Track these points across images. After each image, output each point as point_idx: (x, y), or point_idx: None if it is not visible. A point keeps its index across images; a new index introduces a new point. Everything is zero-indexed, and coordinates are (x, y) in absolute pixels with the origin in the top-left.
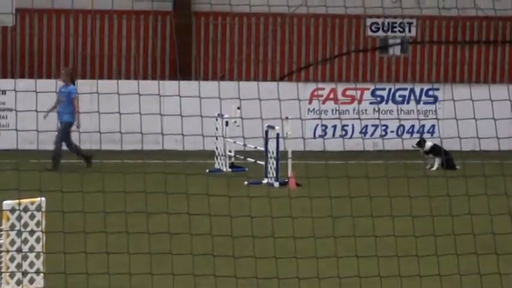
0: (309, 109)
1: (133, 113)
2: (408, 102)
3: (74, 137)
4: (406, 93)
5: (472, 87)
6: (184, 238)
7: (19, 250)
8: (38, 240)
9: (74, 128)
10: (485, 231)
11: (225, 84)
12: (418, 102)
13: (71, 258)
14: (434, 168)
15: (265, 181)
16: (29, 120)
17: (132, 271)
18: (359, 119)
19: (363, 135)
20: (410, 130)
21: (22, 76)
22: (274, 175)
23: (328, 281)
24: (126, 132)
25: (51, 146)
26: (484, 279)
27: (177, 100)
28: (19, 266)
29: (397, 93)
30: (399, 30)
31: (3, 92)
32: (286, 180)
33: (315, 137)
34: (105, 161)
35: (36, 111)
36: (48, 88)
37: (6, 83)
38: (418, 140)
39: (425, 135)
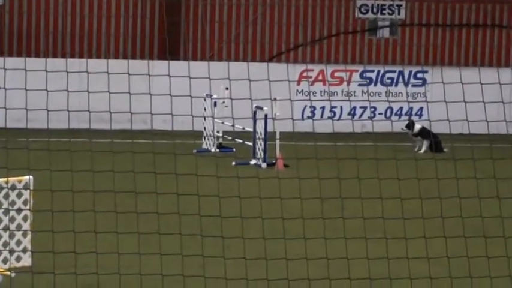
0: (297, 90)
1: (122, 92)
2: (397, 85)
3: (62, 115)
4: (395, 75)
5: (461, 70)
6: (172, 218)
7: (6, 228)
8: (25, 218)
9: None
10: (474, 214)
11: (213, 64)
12: (406, 84)
13: (59, 237)
14: (422, 150)
15: (253, 162)
16: (17, 98)
17: (120, 250)
18: (348, 100)
19: (351, 117)
20: (398, 112)
21: (10, 54)
22: (262, 156)
23: (316, 262)
24: (115, 112)
25: (39, 125)
26: (472, 262)
27: (164, 80)
28: (6, 244)
29: (386, 76)
30: (388, 13)
31: None
32: (274, 161)
33: (303, 119)
34: (93, 140)
35: (25, 89)
36: (37, 66)
37: None
38: (407, 122)
39: (413, 118)
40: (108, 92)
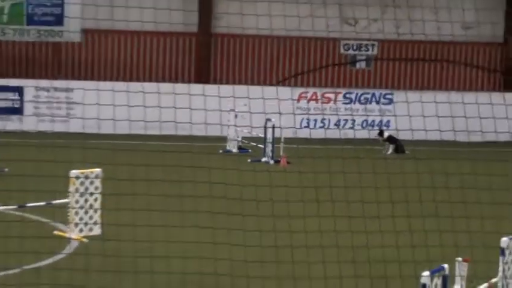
0: (297, 107)
1: (169, 107)
2: (371, 103)
3: (125, 124)
4: (369, 96)
5: (419, 93)
6: (205, 200)
7: (82, 207)
8: (96, 199)
9: None
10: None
11: (237, 87)
12: (378, 103)
13: (121, 214)
14: (389, 152)
15: (263, 159)
16: (90, 110)
17: (167, 223)
18: (335, 114)
19: (337, 127)
20: (371, 124)
21: (85, 79)
22: (270, 155)
23: (313, 235)
24: (164, 121)
25: (107, 130)
26: None
27: (200, 98)
28: (81, 218)
29: (363, 96)
30: (365, 49)
31: (72, 90)
32: (279, 159)
33: (301, 128)
34: (147, 142)
35: (98, 104)
36: (106, 88)
37: (74, 84)
38: (379, 131)
39: (383, 128)
40: (159, 106)
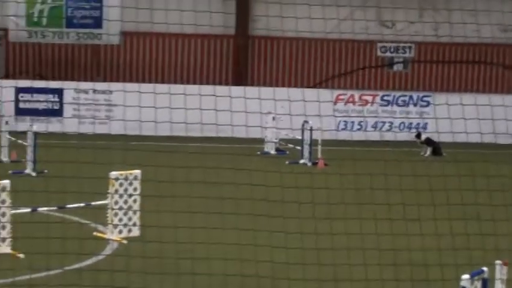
0: (334, 109)
1: (210, 109)
2: (408, 105)
3: (165, 125)
4: (407, 98)
5: (458, 95)
6: (245, 202)
7: (121, 208)
8: (135, 201)
9: None
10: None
11: (277, 89)
12: (415, 105)
13: (161, 215)
14: (427, 154)
15: (301, 161)
16: (131, 112)
17: (208, 225)
18: (373, 116)
19: (374, 129)
20: (409, 126)
21: (124, 81)
22: (308, 157)
23: (354, 237)
24: (205, 123)
25: (148, 132)
26: None
27: (240, 101)
28: (121, 219)
29: (400, 99)
30: (402, 52)
31: (111, 92)
32: (317, 161)
33: (338, 130)
34: (188, 144)
35: (139, 106)
36: (145, 90)
37: (113, 86)
38: (416, 133)
39: (420, 130)
40: (200, 109)
